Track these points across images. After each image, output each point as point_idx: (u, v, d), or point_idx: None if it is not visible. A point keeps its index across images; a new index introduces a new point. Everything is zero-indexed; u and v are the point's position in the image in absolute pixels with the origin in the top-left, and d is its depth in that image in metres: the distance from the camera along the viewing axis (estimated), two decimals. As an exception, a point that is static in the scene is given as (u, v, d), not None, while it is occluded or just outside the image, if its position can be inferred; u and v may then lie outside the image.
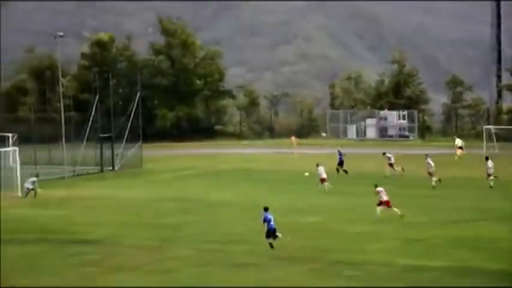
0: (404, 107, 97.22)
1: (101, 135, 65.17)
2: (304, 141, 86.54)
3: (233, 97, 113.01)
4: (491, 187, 45.52)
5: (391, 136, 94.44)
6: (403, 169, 52.65)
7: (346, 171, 53.88)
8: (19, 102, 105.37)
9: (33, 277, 25.52)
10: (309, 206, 40.46)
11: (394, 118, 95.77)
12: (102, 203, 43.53)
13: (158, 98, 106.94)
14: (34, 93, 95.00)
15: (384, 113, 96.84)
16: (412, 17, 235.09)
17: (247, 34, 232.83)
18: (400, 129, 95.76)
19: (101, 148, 64.79)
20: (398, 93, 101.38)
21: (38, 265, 27.44)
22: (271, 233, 29.17)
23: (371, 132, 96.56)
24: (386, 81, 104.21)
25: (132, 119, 66.90)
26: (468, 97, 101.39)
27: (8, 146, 62.70)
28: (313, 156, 69.01)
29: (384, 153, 54.74)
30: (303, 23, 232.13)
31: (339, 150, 56.55)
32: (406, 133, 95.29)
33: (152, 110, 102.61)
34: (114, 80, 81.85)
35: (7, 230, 35.11)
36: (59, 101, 66.88)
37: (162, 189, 49.92)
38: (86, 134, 64.07)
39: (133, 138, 66.58)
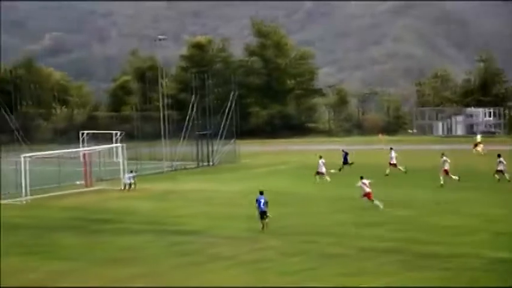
0: (491, 105, 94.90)
1: (198, 132, 65.97)
2: (391, 137, 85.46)
3: (323, 95, 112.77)
4: (498, 180, 44.27)
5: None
6: (405, 171, 51.54)
7: (350, 164, 54.37)
8: (124, 101, 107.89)
9: (138, 266, 26.01)
10: (401, 199, 39.88)
11: (480, 115, 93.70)
12: (200, 196, 44.05)
13: (252, 97, 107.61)
14: (137, 93, 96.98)
15: (471, 110, 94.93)
16: (496, 17, 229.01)
17: (338, 36, 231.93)
18: (486, 125, 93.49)
19: (199, 144, 65.59)
20: (485, 91, 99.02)
21: (142, 254, 27.95)
22: (262, 214, 31.41)
23: (458, 129, 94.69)
24: (473, 80, 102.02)
25: (228, 117, 67.48)
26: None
27: (114, 143, 64.31)
28: (400, 152, 68.19)
29: (391, 148, 53.63)
30: (391, 25, 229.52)
31: (343, 150, 56.65)
32: (493, 129, 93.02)
33: (246, 108, 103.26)
34: (211, 80, 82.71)
35: (113, 220, 36.01)
36: (160, 100, 68.09)
37: (256, 182, 49.94)
38: (185, 132, 65.08)
39: (228, 135, 67.20)
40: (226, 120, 67.30)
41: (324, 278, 23.57)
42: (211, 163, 65.32)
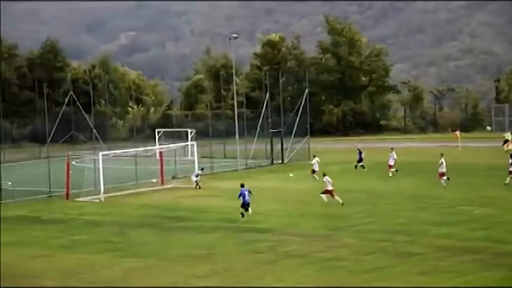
0: None
1: (271, 130, 66.17)
2: (468, 135, 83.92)
3: (397, 92, 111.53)
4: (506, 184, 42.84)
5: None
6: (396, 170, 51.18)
7: (363, 166, 55.21)
8: (197, 99, 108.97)
9: (213, 263, 26.30)
10: (479, 198, 39.32)
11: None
12: (273, 194, 44.16)
13: (325, 94, 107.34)
14: (210, 91, 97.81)
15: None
16: None
17: (412, 32, 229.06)
18: None
19: (271, 142, 65.75)
20: None
21: (216, 251, 28.24)
22: (245, 206, 34.32)
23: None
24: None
25: (301, 115, 67.44)
26: None
27: (187, 141, 65.13)
28: (477, 149, 67.05)
29: (392, 149, 53.14)
30: (467, 20, 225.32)
31: (358, 149, 57.02)
32: None
33: (319, 105, 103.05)
34: (284, 78, 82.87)
35: (188, 218, 36.51)
36: (233, 99, 68.54)
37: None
38: (258, 129, 65.38)
39: (301, 133, 67.10)
40: (299, 117, 67.21)
41: (398, 276, 23.42)
42: (284, 161, 65.38)
